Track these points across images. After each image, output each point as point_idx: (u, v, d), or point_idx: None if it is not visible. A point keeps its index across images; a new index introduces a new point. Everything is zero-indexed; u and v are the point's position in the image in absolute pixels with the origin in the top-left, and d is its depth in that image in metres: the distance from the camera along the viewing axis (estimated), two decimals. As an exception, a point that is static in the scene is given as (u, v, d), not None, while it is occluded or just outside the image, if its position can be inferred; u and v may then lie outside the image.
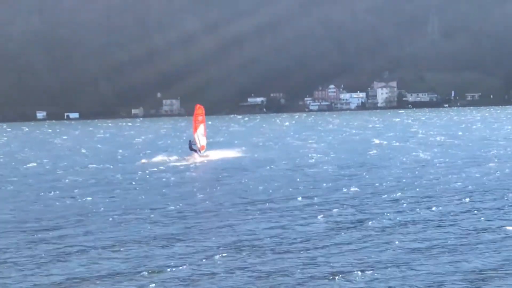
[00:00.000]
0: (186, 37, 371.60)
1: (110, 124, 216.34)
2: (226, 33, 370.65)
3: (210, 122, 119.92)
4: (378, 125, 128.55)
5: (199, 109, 58.69)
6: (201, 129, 57.98)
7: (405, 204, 28.71)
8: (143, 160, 56.75)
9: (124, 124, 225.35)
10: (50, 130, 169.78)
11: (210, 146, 69.17)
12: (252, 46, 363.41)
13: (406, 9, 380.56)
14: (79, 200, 32.67)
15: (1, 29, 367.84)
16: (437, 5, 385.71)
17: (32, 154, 71.57)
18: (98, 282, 17.56)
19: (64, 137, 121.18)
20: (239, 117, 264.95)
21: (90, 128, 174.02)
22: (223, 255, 20.00)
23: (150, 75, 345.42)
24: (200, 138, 57.91)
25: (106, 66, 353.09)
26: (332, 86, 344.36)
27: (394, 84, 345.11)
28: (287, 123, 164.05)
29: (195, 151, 57.62)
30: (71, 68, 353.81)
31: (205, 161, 54.57)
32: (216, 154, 59.34)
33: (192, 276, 17.97)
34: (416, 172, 41.15)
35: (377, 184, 35.88)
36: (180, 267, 18.70)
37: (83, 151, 76.51)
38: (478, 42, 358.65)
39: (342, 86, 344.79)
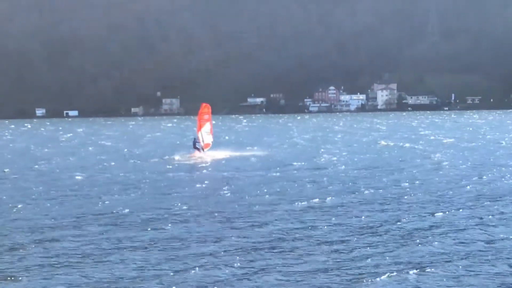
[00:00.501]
0: (186, 37, 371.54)
1: (110, 122, 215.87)
2: (226, 32, 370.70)
3: (214, 122, 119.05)
4: (382, 127, 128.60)
5: (205, 108, 59.00)
6: (207, 127, 58.15)
7: (426, 207, 28.31)
8: (177, 157, 57.17)
9: (125, 121, 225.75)
10: (52, 128, 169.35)
11: (223, 145, 69.50)
12: (252, 46, 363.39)
13: (406, 11, 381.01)
14: (106, 199, 32.44)
15: (0, 26, 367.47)
16: (437, 6, 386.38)
17: (44, 152, 71.60)
18: (121, 283, 17.47)
19: (69, 134, 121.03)
20: (241, 117, 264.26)
21: (95, 126, 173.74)
22: (243, 255, 19.88)
23: (150, 74, 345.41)
24: (205, 136, 58.10)
25: (105, 64, 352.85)
26: (332, 87, 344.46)
27: (394, 86, 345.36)
28: (289, 124, 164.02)
29: (198, 149, 58.22)
30: (71, 65, 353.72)
31: (216, 160, 54.57)
32: (225, 154, 59.51)
33: (219, 275, 18.04)
34: (437, 174, 40.86)
35: (395, 186, 35.48)
36: (208, 267, 18.66)
37: (99, 148, 76.54)
38: (478, 44, 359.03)
39: (342, 87, 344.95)
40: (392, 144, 71.93)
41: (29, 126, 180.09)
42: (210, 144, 58.52)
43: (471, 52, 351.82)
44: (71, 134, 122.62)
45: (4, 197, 33.44)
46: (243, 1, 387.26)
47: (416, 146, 67.01)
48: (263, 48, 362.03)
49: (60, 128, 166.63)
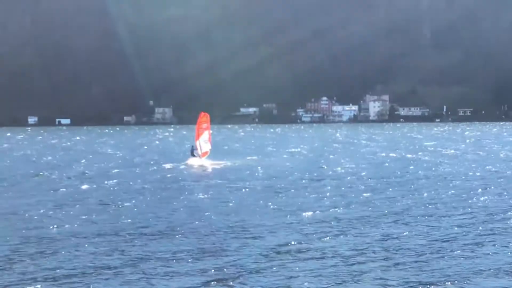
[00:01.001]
0: (179, 45, 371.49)
1: (107, 131, 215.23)
2: (219, 42, 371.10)
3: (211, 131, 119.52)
4: (379, 138, 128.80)
5: (204, 117, 59.87)
6: (205, 136, 59.08)
7: (439, 220, 27.78)
8: (181, 165, 58.00)
9: (120, 130, 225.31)
10: (50, 136, 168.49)
11: (223, 154, 69.68)
12: (245, 56, 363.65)
13: (399, 23, 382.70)
14: (113, 208, 32.30)
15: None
16: (430, 19, 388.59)
17: (50, 159, 71.41)
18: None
19: (68, 143, 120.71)
20: (236, 127, 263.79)
21: (92, 135, 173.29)
22: (247, 271, 19.59)
23: (142, 83, 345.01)
24: (203, 144, 59.05)
25: (98, 71, 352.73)
26: (324, 98, 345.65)
27: (386, 97, 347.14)
28: (284, 134, 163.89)
29: (195, 157, 59.39)
30: (63, 72, 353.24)
31: (218, 169, 54.73)
32: (226, 163, 60.16)
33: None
34: (446, 185, 40.45)
35: (403, 197, 34.94)
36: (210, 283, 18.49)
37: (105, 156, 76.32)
38: (470, 56, 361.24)
39: (334, 98, 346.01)
40: (394, 155, 71.85)
41: (23, 135, 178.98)
42: (208, 152, 59.50)
43: (463, 64, 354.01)
44: (72, 143, 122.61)
45: (15, 205, 33.32)
46: (236, 11, 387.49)
47: (419, 157, 66.90)
48: (256, 58, 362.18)
49: (55, 136, 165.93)
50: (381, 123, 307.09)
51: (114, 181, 45.43)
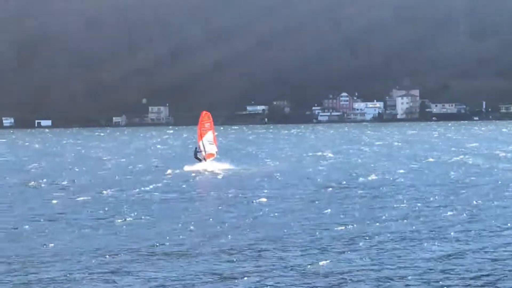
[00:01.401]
0: (175, 34, 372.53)
1: (97, 133, 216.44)
2: (221, 31, 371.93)
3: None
4: (413, 138, 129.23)
5: (206, 116, 63.76)
6: (209, 136, 62.47)
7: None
8: (186, 168, 61.51)
9: (110, 132, 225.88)
10: (36, 139, 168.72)
11: (237, 158, 70.13)
12: (253, 46, 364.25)
13: (429, 7, 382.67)
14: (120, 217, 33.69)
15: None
16: (465, 3, 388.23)
17: (41, 166, 72.18)
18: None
19: (54, 148, 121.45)
20: (244, 127, 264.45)
21: (79, 137, 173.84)
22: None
23: (133, 78, 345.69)
24: (207, 146, 62.32)
25: (81, 65, 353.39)
26: (344, 94, 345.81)
27: (416, 92, 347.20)
28: (302, 135, 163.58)
29: (200, 159, 62.90)
30: (42, 67, 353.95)
31: (230, 174, 57.44)
32: (244, 168, 63.43)
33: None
34: (504, 194, 40.86)
35: (457, 208, 35.16)
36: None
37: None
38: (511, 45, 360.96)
39: (356, 94, 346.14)
40: (445, 157, 72.23)
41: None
42: (214, 155, 63.13)
43: (504, 54, 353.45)
44: (58, 148, 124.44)
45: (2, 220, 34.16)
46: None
47: (472, 161, 67.36)
48: (265, 49, 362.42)
49: (37, 139, 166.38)
50: (411, 122, 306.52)
51: (112, 190, 46.01)
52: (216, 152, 63.36)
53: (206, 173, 58.89)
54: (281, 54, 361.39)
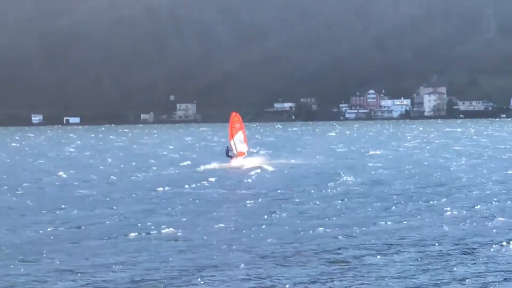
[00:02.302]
0: (203, 31, 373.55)
1: (137, 131, 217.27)
2: (249, 27, 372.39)
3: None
4: (455, 135, 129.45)
5: (236, 117, 67.83)
6: (239, 136, 66.55)
7: None
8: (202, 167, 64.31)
9: (145, 129, 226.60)
10: (80, 136, 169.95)
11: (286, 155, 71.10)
12: (280, 44, 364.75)
13: (457, 3, 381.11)
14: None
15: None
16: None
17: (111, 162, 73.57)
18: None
19: (108, 145, 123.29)
20: (279, 125, 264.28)
21: (122, 134, 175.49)
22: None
23: (162, 75, 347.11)
24: (238, 144, 66.32)
25: (110, 62, 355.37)
26: (371, 91, 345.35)
27: (443, 90, 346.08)
28: (337, 132, 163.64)
29: (231, 157, 66.65)
30: (71, 64, 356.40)
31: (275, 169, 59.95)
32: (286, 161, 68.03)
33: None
34: None
35: None
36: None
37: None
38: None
39: (383, 91, 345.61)
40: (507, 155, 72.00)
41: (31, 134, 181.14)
42: (244, 153, 67.15)
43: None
44: (110, 144, 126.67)
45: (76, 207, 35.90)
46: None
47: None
48: (292, 46, 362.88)
49: (75, 137, 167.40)
50: (438, 119, 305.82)
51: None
52: (246, 150, 67.40)
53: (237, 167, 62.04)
54: (309, 52, 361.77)
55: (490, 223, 30.44)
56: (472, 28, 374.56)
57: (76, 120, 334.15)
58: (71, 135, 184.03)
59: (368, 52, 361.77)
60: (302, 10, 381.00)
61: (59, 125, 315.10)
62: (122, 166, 67.89)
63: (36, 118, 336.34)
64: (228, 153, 67.26)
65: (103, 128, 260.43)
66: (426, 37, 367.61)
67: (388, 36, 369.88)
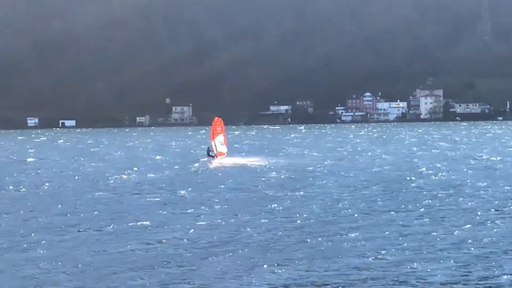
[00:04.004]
0: (198, 33, 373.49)
1: (136, 134, 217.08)
2: (245, 30, 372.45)
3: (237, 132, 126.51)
4: (456, 137, 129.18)
5: (218, 121, 77.21)
6: (220, 138, 76.05)
7: None
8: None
9: (145, 131, 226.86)
10: (62, 140, 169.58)
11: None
12: (275, 46, 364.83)
13: (453, 5, 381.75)
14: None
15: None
16: (489, 1, 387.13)
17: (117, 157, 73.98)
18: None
19: (101, 146, 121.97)
20: (277, 127, 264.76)
21: (118, 138, 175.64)
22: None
23: (157, 78, 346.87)
24: (219, 146, 75.80)
25: (105, 65, 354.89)
26: (368, 94, 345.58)
27: (439, 92, 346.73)
28: (335, 134, 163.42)
29: (212, 156, 75.71)
30: (65, 67, 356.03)
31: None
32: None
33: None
34: None
35: None
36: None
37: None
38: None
39: (379, 94, 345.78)
40: (497, 158, 71.86)
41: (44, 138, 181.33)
42: (224, 153, 76.78)
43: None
44: (102, 146, 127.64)
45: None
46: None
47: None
48: (287, 48, 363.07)
49: (75, 140, 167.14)
50: (434, 122, 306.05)
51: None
52: (226, 151, 77.01)
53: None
54: (305, 54, 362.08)
55: None
56: (468, 30, 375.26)
57: (72, 123, 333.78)
58: (103, 139, 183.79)
59: (365, 55, 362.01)
60: (297, 12, 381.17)
61: (55, 128, 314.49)
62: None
63: (31, 121, 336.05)
64: (209, 153, 76.85)
65: (115, 130, 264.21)
66: (422, 40, 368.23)
67: (384, 38, 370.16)
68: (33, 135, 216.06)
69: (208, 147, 78.13)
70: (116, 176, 58.44)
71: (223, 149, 76.55)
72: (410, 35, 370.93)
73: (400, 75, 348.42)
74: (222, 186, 49.06)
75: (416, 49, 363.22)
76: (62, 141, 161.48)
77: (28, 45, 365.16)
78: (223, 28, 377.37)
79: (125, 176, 58.40)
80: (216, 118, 78.37)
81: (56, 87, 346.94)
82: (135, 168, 67.18)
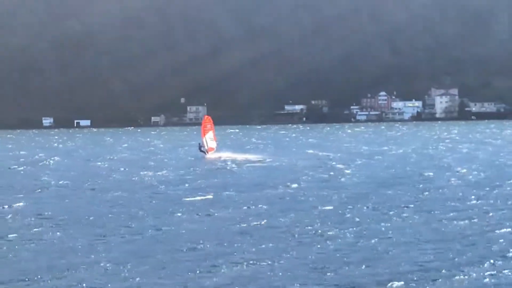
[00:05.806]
0: (214, 33, 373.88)
1: (154, 133, 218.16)
2: (260, 30, 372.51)
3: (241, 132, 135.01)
4: (475, 136, 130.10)
5: (207, 119, 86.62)
6: (210, 134, 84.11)
7: None
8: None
9: (159, 131, 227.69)
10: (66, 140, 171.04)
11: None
12: (291, 45, 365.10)
13: (470, 4, 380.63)
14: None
15: (2, 21, 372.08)
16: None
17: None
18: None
19: (125, 145, 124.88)
20: (276, 127, 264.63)
21: (146, 138, 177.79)
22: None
23: (172, 77, 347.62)
24: (209, 141, 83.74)
25: (121, 65, 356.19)
26: (382, 93, 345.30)
27: (454, 91, 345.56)
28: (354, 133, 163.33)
29: (203, 152, 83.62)
30: (81, 67, 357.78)
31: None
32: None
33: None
34: None
35: None
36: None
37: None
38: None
39: (394, 93, 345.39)
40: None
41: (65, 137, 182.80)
42: (214, 149, 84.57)
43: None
44: (126, 145, 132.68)
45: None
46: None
47: None
48: (303, 48, 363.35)
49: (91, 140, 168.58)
50: (450, 121, 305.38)
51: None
52: (215, 146, 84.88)
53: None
54: (320, 53, 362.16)
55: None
56: (484, 29, 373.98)
57: (87, 123, 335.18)
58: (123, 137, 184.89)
59: (380, 54, 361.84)
60: (315, 11, 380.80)
61: (70, 128, 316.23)
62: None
63: (47, 121, 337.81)
64: (201, 149, 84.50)
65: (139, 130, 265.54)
66: (438, 38, 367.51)
67: (399, 37, 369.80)
68: (50, 135, 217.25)
69: (199, 143, 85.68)
70: (135, 176, 60.21)
71: (213, 144, 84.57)
72: (426, 34, 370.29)
73: (415, 74, 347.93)
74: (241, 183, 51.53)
75: (431, 48, 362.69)
76: (80, 141, 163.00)
77: (44, 45, 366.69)
78: (238, 28, 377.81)
79: (143, 175, 60.52)
80: (206, 116, 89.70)
81: (71, 87, 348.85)
82: (151, 167, 69.76)
